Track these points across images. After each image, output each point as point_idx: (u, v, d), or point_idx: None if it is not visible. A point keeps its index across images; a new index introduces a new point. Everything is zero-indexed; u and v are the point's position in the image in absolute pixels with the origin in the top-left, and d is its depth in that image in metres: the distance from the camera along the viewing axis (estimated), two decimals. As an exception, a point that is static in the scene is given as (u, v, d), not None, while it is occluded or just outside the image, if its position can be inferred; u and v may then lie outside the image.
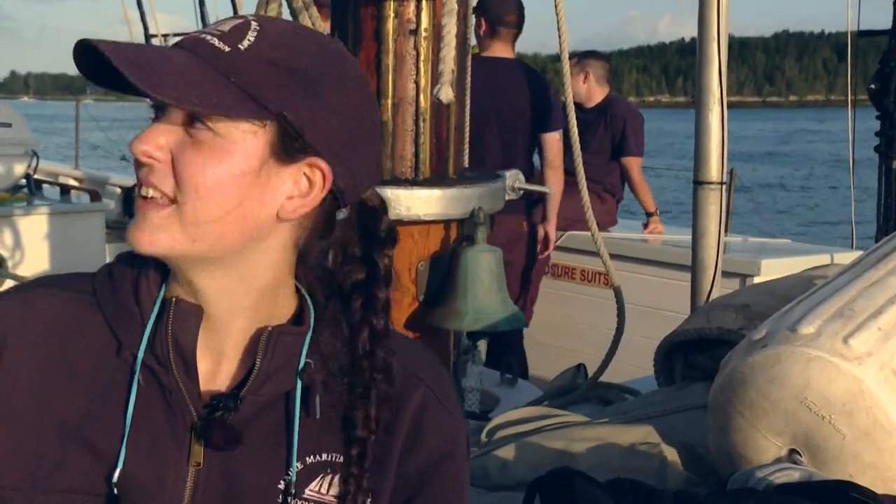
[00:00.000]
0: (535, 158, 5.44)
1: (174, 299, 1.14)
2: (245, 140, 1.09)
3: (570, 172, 5.23)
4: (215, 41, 1.08)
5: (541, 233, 5.44)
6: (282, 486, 1.14)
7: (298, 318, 1.19)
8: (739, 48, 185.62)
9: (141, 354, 1.13)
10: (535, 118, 5.23)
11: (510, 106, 5.09)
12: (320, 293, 1.20)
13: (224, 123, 1.08)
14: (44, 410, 1.13)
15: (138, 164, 1.10)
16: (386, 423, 1.17)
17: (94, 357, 1.15)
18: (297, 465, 1.14)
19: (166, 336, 1.13)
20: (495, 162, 4.64)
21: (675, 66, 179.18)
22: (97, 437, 1.13)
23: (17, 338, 1.15)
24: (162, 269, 1.17)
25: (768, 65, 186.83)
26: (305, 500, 1.15)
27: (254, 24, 1.10)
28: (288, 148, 1.10)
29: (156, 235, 1.09)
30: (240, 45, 1.08)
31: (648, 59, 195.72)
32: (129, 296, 1.16)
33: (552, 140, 5.32)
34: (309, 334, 1.17)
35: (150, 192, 1.09)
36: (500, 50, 5.14)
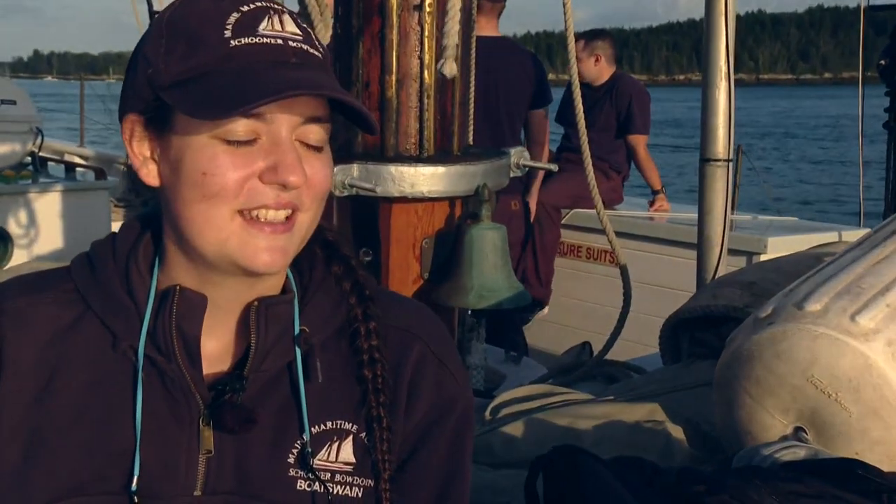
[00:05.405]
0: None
1: (178, 288, 1.11)
2: None
3: (575, 150, 5.22)
4: (309, 48, 1.08)
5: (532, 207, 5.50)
6: (291, 459, 1.12)
7: (283, 286, 1.18)
8: (773, 24, 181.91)
9: (142, 345, 1.10)
10: (522, 96, 5.19)
11: (496, 85, 5.01)
12: (304, 260, 1.17)
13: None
14: (52, 421, 1.10)
15: (264, 189, 1.06)
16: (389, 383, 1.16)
17: (90, 355, 1.12)
18: (307, 435, 1.12)
19: (170, 325, 1.10)
20: (482, 142, 4.62)
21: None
22: (109, 437, 1.10)
23: (11, 358, 1.12)
24: (148, 256, 1.14)
25: (802, 41, 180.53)
26: (315, 470, 1.12)
27: (286, 16, 1.09)
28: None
29: (287, 255, 1.09)
30: (319, 53, 1.10)
31: (679, 36, 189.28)
32: (119, 287, 1.13)
33: (538, 116, 5.30)
34: (296, 301, 1.15)
35: (283, 215, 1.07)
36: (484, 27, 4.92)
